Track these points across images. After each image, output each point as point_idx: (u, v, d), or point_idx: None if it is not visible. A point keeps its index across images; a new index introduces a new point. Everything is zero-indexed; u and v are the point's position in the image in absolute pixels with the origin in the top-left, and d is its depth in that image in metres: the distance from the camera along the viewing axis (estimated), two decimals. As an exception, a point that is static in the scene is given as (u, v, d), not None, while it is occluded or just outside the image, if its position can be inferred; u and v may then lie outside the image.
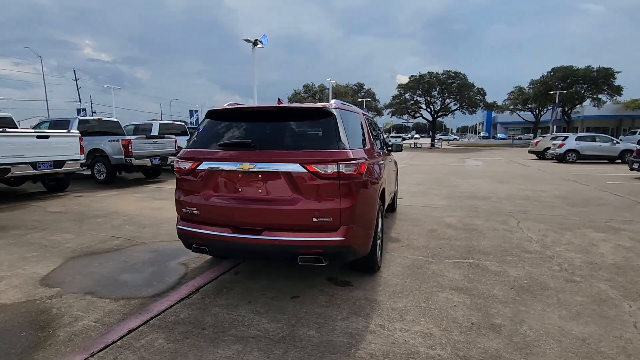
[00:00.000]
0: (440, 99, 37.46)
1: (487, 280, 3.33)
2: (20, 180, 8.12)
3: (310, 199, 2.72)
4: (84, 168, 9.11)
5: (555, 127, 34.77)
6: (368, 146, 3.50)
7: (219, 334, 2.47)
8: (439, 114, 39.09)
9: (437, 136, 53.64)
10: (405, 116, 41.62)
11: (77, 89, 47.13)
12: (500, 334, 2.44)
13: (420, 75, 35.87)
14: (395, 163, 6.19)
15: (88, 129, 10.22)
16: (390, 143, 5.63)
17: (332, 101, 3.19)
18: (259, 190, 2.82)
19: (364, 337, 2.41)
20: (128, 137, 9.88)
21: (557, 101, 33.85)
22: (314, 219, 2.71)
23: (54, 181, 8.40)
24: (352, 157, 2.78)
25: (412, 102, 38.23)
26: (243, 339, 2.39)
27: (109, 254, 4.14)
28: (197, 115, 50.80)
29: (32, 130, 8.39)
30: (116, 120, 12.49)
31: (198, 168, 2.96)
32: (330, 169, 2.68)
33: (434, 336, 2.42)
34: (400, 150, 5.92)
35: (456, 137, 69.56)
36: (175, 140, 10.92)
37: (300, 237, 2.70)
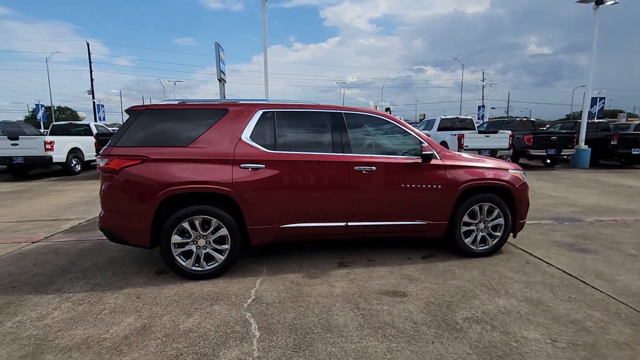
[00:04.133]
0: None
1: None
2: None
3: (103, 185, 3.48)
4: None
5: None
6: (198, 144, 3.26)
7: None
8: None
9: None
10: None
11: (482, 88, 51.49)
12: None
13: None
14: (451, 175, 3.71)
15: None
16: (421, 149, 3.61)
17: (167, 101, 3.44)
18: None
19: None
20: None
21: None
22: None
23: None
24: (108, 153, 3.17)
25: None
26: None
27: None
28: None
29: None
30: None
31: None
32: (99, 161, 3.29)
33: None
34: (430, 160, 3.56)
35: None
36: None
37: None
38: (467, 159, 3.83)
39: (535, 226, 5.10)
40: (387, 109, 59.39)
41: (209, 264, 3.34)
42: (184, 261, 3.29)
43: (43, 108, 33.72)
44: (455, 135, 10.89)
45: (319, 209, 3.49)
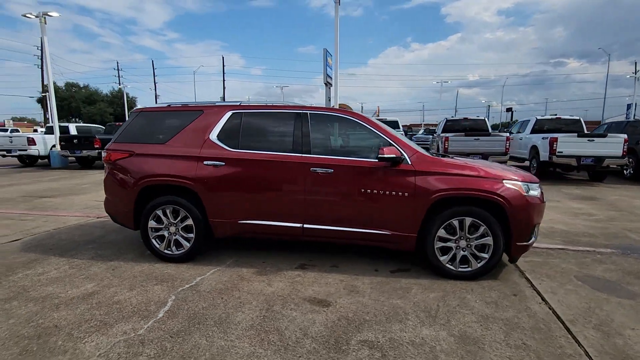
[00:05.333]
0: None
1: None
2: None
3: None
4: None
5: None
6: (173, 142, 3.67)
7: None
8: None
9: None
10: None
11: (635, 81, 40.94)
12: None
13: None
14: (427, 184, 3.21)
15: None
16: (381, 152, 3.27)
17: (159, 104, 3.97)
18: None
19: None
20: None
21: None
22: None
23: None
24: (108, 147, 3.83)
25: None
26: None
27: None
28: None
29: None
30: None
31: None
32: (103, 154, 3.99)
33: None
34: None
35: None
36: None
37: None
38: (449, 165, 3.31)
39: (582, 254, 4.04)
40: (509, 109, 52.54)
41: (178, 249, 3.72)
42: (159, 244, 3.74)
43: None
44: (547, 138, 9.13)
45: (275, 208, 3.52)
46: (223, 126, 3.66)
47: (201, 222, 3.61)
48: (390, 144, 3.37)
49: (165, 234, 3.72)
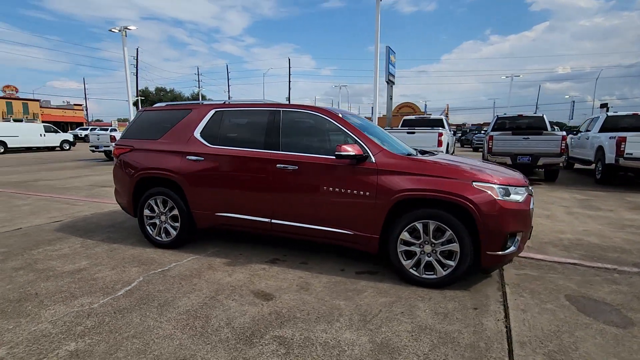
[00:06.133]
0: None
1: None
2: None
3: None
4: None
5: None
6: (164, 139, 3.99)
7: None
8: None
9: None
10: None
11: None
12: None
13: None
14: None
15: None
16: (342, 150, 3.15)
17: (159, 104, 4.35)
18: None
19: None
20: None
21: None
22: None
23: None
24: (116, 143, 4.30)
25: None
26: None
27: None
28: None
29: None
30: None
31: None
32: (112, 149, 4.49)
33: None
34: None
35: None
36: None
37: None
38: (416, 164, 3.10)
39: (596, 271, 3.46)
40: (603, 105, 46.06)
41: (167, 237, 4.05)
42: (152, 231, 4.11)
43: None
44: (615, 138, 7.85)
45: (247, 202, 3.64)
46: (206, 124, 3.89)
47: (185, 213, 3.89)
48: (356, 141, 3.26)
49: (157, 222, 4.07)
